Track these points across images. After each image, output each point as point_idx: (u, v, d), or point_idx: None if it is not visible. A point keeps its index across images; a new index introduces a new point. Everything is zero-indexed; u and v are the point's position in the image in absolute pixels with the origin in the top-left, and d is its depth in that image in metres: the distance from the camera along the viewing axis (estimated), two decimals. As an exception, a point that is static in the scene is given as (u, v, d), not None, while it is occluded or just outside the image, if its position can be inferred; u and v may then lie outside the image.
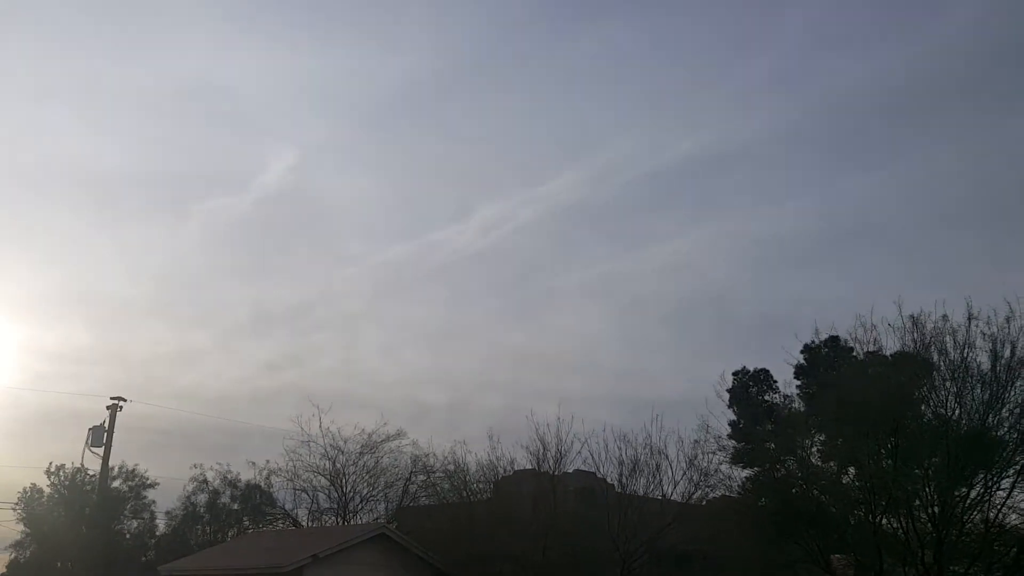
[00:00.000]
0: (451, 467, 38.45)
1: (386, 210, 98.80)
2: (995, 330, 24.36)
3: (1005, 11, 76.25)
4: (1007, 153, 74.42)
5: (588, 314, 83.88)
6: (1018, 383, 23.97)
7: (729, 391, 42.43)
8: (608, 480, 37.13)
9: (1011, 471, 24.58)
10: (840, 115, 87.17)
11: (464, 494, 37.49)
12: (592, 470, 37.30)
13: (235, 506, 47.09)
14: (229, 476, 46.58)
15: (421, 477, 40.12)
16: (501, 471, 37.61)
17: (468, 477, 37.57)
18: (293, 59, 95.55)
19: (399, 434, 41.00)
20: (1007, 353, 24.15)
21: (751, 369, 42.88)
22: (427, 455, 40.22)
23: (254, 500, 45.52)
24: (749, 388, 42.66)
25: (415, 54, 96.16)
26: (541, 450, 35.90)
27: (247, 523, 46.10)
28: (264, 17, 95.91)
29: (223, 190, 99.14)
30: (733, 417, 42.59)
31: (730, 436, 38.36)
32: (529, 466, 37.37)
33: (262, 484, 44.24)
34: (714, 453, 33.77)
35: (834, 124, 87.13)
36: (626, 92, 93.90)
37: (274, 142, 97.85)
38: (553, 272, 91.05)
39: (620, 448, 35.02)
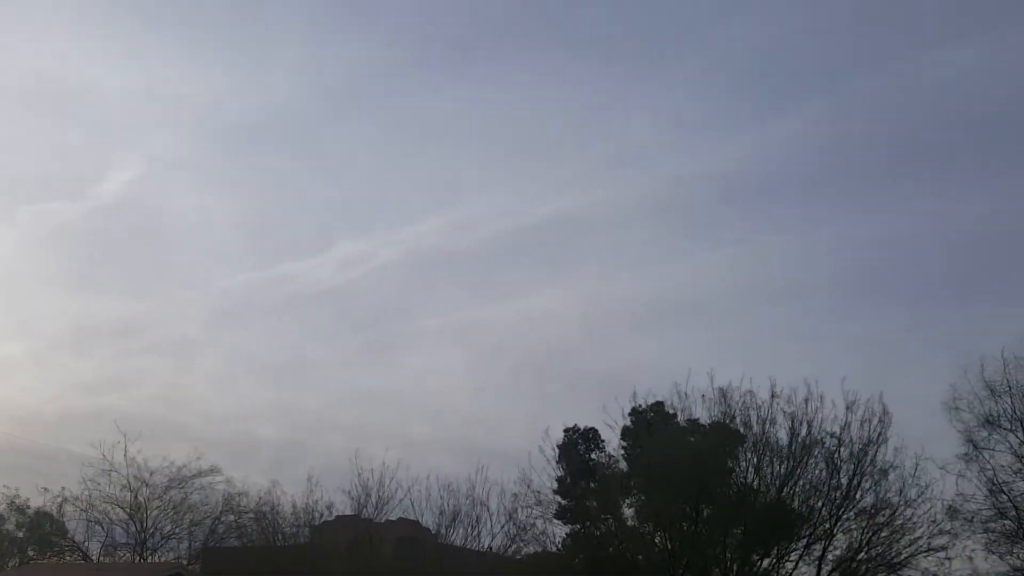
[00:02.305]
0: (265, 508, 36.61)
1: (238, 234, 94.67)
2: (795, 408, 25.80)
3: (853, 108, 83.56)
4: (838, 245, 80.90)
5: (443, 360, 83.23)
6: (811, 461, 25.38)
7: (559, 447, 42.93)
8: (431, 530, 36.51)
9: (800, 544, 25.87)
10: (694, 193, 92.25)
11: (276, 538, 35.72)
12: (415, 518, 36.58)
13: (20, 534, 42.97)
14: (17, 501, 42.56)
15: (231, 517, 37.97)
16: (318, 515, 36.16)
17: (281, 520, 35.85)
18: (153, 66, 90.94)
19: (212, 470, 38.73)
20: (804, 431, 25.58)
21: (581, 427, 43.54)
22: (240, 494, 38.15)
23: (43, 529, 41.70)
24: (578, 445, 43.23)
25: (288, 80, 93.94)
26: (363, 496, 34.87)
27: (32, 553, 42.11)
28: (128, 20, 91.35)
29: (56, 193, 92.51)
30: (561, 473, 43.08)
31: (555, 492, 38.65)
32: (350, 511, 36.18)
33: (53, 512, 40.66)
34: (532, 508, 33.90)
35: (690, 200, 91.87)
36: (494, 146, 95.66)
37: (120, 149, 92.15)
38: (411, 315, 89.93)
39: (443, 497, 34.53)
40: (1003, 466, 29.29)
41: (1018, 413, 29.18)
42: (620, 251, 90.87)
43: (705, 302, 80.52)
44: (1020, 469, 29.12)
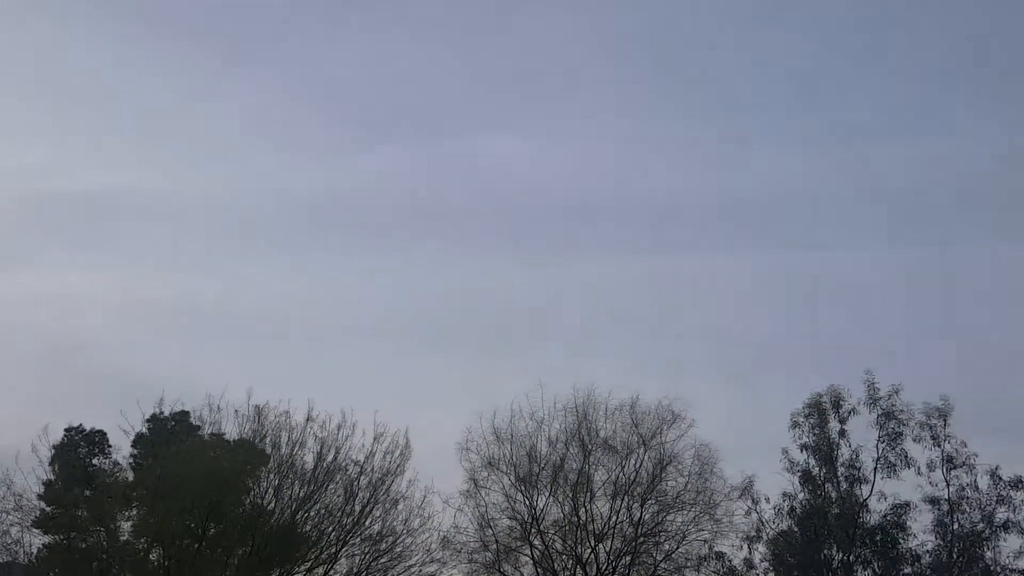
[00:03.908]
0: None
1: None
2: (327, 434, 26.18)
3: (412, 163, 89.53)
4: (398, 286, 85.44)
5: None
6: (331, 486, 25.87)
7: (56, 447, 38.19)
8: None
9: (303, 568, 26.10)
10: (277, 205, 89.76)
11: None
12: None
13: None
14: None
15: None
16: None
17: None
18: None
19: None
20: (331, 457, 26.02)
21: (88, 428, 39.16)
22: None
23: None
24: (79, 448, 38.72)
25: None
26: None
27: None
28: None
29: None
30: (53, 477, 38.36)
31: (40, 497, 34.20)
32: None
33: None
34: (9, 513, 29.72)
35: (271, 213, 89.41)
36: (46, 95, 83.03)
37: None
38: None
39: None
40: (494, 504, 33.20)
41: (514, 459, 33.44)
42: (175, 247, 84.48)
43: (263, 317, 78.54)
44: (506, 508, 33.20)
